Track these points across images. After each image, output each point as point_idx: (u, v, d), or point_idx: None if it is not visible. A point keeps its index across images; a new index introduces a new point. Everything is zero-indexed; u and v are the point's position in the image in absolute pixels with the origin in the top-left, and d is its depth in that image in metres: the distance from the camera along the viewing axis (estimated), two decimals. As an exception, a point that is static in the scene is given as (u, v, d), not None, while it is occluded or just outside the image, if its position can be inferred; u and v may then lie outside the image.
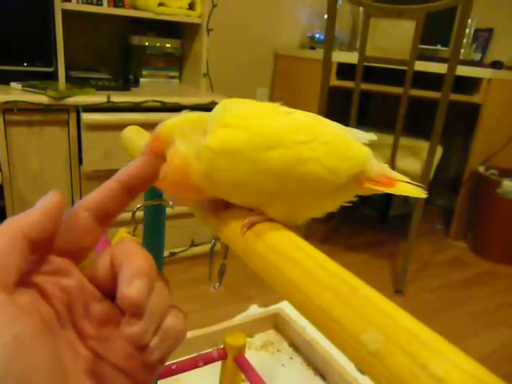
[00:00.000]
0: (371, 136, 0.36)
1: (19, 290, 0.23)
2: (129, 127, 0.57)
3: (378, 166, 0.35)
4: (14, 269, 0.22)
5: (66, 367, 0.23)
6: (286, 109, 0.33)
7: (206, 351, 0.67)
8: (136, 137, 0.54)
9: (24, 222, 0.24)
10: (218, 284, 0.38)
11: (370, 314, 0.21)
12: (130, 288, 0.23)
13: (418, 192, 0.35)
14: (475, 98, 2.16)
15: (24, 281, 0.24)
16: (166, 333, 0.25)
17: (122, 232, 0.56)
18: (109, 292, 0.27)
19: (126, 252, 0.26)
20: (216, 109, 0.35)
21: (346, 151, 0.33)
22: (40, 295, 0.24)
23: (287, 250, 0.27)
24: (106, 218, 0.28)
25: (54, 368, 0.22)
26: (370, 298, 0.22)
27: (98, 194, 0.28)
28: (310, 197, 0.33)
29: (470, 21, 2.41)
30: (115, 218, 0.29)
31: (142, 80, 2.03)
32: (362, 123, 2.46)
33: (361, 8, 2.24)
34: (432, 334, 0.19)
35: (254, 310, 0.88)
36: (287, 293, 0.25)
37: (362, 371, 0.20)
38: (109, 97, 1.60)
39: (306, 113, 0.34)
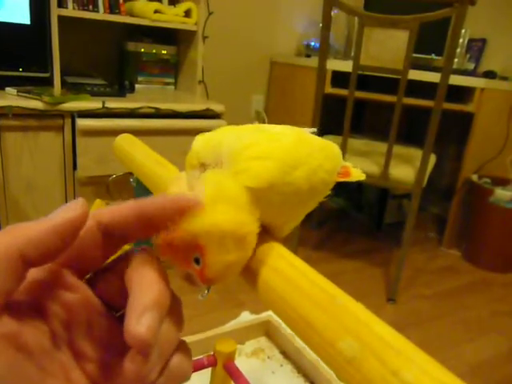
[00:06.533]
0: (313, 130, 0.38)
1: (6, 312, 0.20)
2: (121, 135, 0.57)
3: None
4: (0, 293, 0.20)
5: None
6: (266, 126, 0.33)
7: (196, 358, 0.67)
8: (128, 146, 0.54)
9: (25, 236, 0.20)
10: (206, 292, 0.38)
11: (347, 323, 0.21)
12: (139, 324, 0.20)
13: (362, 175, 0.40)
14: (469, 107, 2.18)
15: (17, 298, 0.21)
16: (172, 373, 0.23)
17: (99, 202, 0.56)
18: (117, 307, 0.25)
19: (140, 274, 0.23)
20: (218, 144, 0.30)
21: (332, 152, 0.35)
22: (34, 311, 0.22)
23: (270, 259, 0.27)
24: (120, 241, 0.25)
25: None
26: (348, 306, 0.22)
27: (116, 214, 0.24)
28: (310, 204, 0.34)
29: (463, 31, 2.43)
30: (131, 241, 0.26)
31: (137, 86, 2.04)
32: (356, 131, 2.47)
33: (356, 17, 2.26)
34: (405, 342, 0.20)
35: (246, 317, 0.88)
36: (269, 301, 0.26)
37: (338, 377, 0.20)
38: (104, 103, 1.60)
39: (285, 126, 0.34)
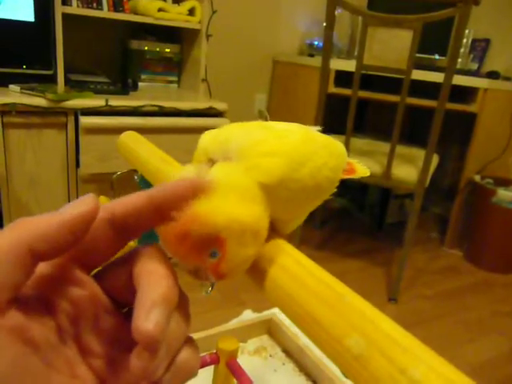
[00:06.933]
0: (318, 128, 0.37)
1: (14, 306, 0.20)
2: (126, 133, 0.57)
3: None
4: (9, 287, 0.19)
5: None
6: (272, 123, 0.33)
7: (198, 355, 0.67)
8: (133, 143, 0.54)
9: (35, 230, 0.20)
10: (210, 288, 0.38)
11: (354, 320, 0.21)
12: (147, 320, 0.20)
13: (367, 171, 0.40)
14: (472, 107, 2.17)
15: (25, 292, 0.21)
16: (180, 369, 0.23)
17: (103, 199, 0.56)
18: (124, 303, 0.25)
19: (148, 269, 0.23)
20: (225, 140, 0.30)
21: (337, 149, 0.35)
22: (42, 306, 0.22)
23: (277, 256, 0.27)
24: (130, 233, 0.25)
25: None
26: (355, 304, 0.22)
27: (128, 203, 0.24)
28: (316, 202, 0.34)
29: (467, 31, 2.43)
30: (142, 231, 0.25)
31: (140, 84, 2.04)
32: (359, 130, 2.48)
33: (359, 17, 2.26)
34: (412, 340, 0.20)
35: (248, 315, 0.88)
36: (277, 299, 0.26)
37: (344, 374, 0.21)
38: (107, 100, 1.60)
39: (290, 123, 0.34)
